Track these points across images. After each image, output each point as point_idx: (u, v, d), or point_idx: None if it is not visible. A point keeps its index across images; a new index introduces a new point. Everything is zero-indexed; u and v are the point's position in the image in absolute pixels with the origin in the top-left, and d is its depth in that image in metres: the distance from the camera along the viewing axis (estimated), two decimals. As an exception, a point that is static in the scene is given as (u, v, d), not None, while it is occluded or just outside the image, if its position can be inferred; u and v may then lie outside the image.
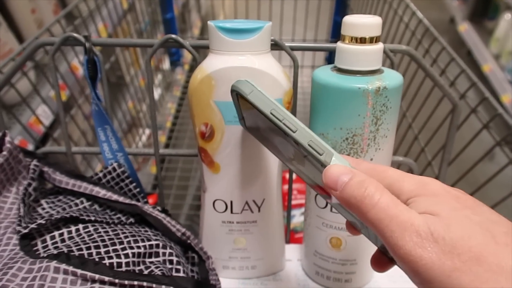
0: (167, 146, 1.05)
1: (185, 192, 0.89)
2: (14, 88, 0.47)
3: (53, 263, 0.26)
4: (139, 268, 0.30)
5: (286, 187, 0.80)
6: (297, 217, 0.77)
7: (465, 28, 2.22)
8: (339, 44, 0.30)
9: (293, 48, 0.35)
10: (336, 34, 1.06)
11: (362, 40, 0.29)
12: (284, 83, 0.30)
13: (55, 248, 0.29)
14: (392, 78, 0.29)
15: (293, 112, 0.36)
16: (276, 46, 0.34)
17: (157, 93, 1.12)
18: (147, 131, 1.13)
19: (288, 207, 0.41)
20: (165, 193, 0.87)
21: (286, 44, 0.35)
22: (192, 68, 0.32)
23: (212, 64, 0.30)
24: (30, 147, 0.73)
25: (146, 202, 0.39)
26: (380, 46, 0.29)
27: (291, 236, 0.74)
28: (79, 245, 0.29)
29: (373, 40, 0.29)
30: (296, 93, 0.35)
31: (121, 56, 0.96)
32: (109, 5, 0.87)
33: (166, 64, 1.21)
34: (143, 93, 1.06)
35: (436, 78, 0.35)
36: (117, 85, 1.19)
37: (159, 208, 0.37)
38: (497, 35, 1.89)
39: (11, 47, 0.72)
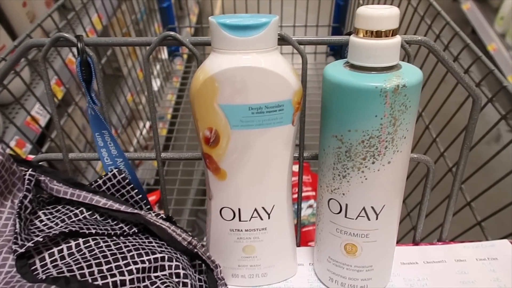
0: (168, 139, 1.03)
1: (188, 187, 0.87)
2: (8, 90, 0.45)
3: (52, 288, 0.24)
4: (144, 284, 0.29)
5: (294, 179, 0.78)
6: (304, 210, 0.75)
7: (468, 7, 2.17)
8: (352, 38, 0.27)
9: (301, 42, 0.33)
10: (338, 18, 1.03)
11: (379, 34, 0.26)
12: (293, 83, 0.28)
13: (55, 267, 0.28)
14: (411, 74, 0.27)
15: (303, 110, 0.34)
16: (282, 40, 0.32)
17: (156, 84, 1.09)
18: (148, 124, 1.11)
19: (298, 208, 0.40)
20: (168, 188, 0.86)
21: (294, 38, 0.32)
22: (191, 59, 0.30)
23: (214, 64, 0.27)
24: (29, 146, 0.71)
25: (150, 209, 0.37)
26: (397, 39, 0.27)
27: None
28: (80, 263, 0.28)
29: (390, 33, 0.26)
30: (305, 91, 0.33)
31: (118, 47, 0.93)
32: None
33: (164, 54, 1.18)
34: (142, 84, 1.03)
35: (455, 69, 0.33)
36: (114, 77, 1.16)
37: (163, 215, 0.35)
38: (502, 13, 1.85)
39: (4, 43, 0.69)
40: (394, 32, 0.27)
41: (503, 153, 0.39)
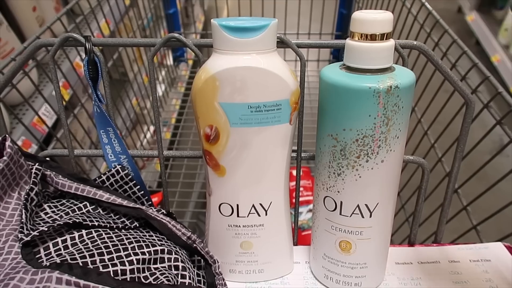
0: (172, 143, 1.04)
1: (190, 190, 0.88)
2: (16, 89, 0.47)
3: (55, 273, 0.25)
4: (144, 275, 0.30)
5: (292, 183, 0.79)
6: (304, 214, 0.76)
7: (473, 18, 2.19)
8: (348, 41, 0.29)
9: (300, 46, 0.34)
10: (341, 26, 1.05)
11: (373, 37, 0.27)
12: (291, 83, 0.29)
13: (58, 255, 0.29)
14: (404, 76, 0.28)
15: (300, 111, 0.35)
16: (282, 43, 0.33)
17: (161, 89, 1.11)
18: (152, 128, 1.12)
19: (295, 208, 0.40)
20: (171, 191, 0.87)
21: (292, 42, 0.33)
22: (196, 64, 0.32)
23: (216, 64, 0.29)
24: (34, 147, 0.72)
25: (151, 205, 0.39)
26: (391, 42, 0.28)
27: (299, 234, 0.73)
28: (83, 252, 0.29)
29: (384, 36, 0.28)
30: (303, 92, 0.34)
31: (124, 52, 0.95)
32: (111, 1, 0.86)
33: (170, 60, 1.20)
34: (147, 89, 1.05)
35: (449, 74, 0.34)
36: (120, 82, 1.18)
37: (164, 211, 0.36)
38: (506, 25, 1.86)
39: (14, 46, 0.71)
40: (387, 36, 0.28)
41: (506, 163, 0.40)
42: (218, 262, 0.34)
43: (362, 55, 0.28)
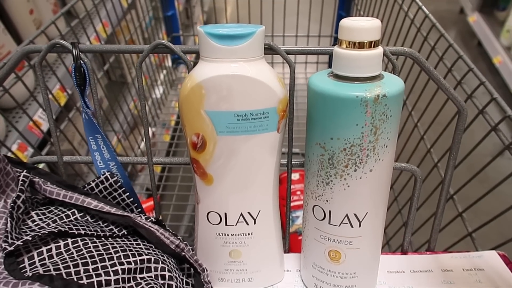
0: (171, 145, 1.04)
1: (188, 193, 0.88)
2: (9, 94, 0.47)
3: (36, 286, 0.25)
4: (129, 284, 0.29)
5: (293, 187, 0.79)
6: (301, 219, 0.76)
7: (475, 19, 2.18)
8: (336, 49, 0.28)
9: (289, 52, 0.33)
10: (340, 29, 1.04)
11: (361, 45, 0.27)
12: (278, 91, 0.29)
13: (42, 265, 0.28)
14: (393, 85, 0.28)
15: (290, 118, 0.35)
16: (271, 50, 0.33)
17: (159, 91, 1.11)
18: (151, 131, 1.12)
19: (287, 215, 0.40)
20: (169, 194, 0.87)
21: (282, 48, 0.33)
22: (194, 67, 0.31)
23: (202, 72, 0.28)
24: (30, 150, 0.72)
25: (141, 212, 0.38)
26: (379, 50, 0.28)
27: (295, 238, 0.73)
28: (67, 262, 0.28)
29: (372, 44, 0.27)
30: (293, 99, 0.34)
31: (122, 55, 0.95)
32: (108, 4, 0.86)
33: (168, 62, 1.20)
34: (146, 91, 1.05)
35: (441, 81, 0.33)
36: (119, 84, 1.18)
37: (152, 218, 0.36)
38: (508, 26, 1.85)
39: (10, 49, 0.71)
40: (376, 43, 0.27)
41: (508, 165, 0.39)
42: (207, 270, 0.34)
43: (350, 63, 0.27)
